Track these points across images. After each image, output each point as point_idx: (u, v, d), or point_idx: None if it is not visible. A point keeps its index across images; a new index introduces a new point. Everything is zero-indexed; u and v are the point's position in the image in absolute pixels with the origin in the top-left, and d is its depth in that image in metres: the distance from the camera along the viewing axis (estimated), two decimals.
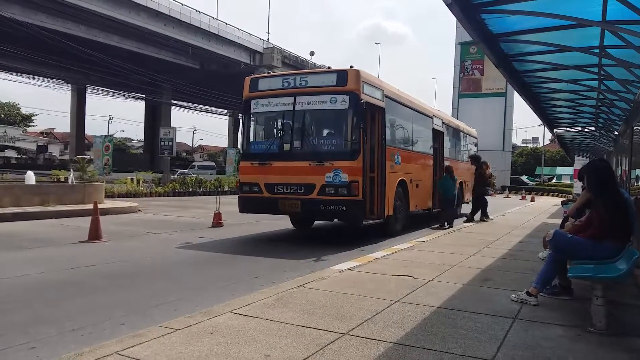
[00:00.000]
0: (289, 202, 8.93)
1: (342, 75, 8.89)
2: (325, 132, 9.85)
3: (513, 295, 4.69)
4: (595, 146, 32.09)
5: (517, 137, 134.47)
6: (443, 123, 14.52)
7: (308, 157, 8.81)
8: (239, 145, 10.33)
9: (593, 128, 22.58)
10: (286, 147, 9.18)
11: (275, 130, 9.83)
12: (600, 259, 4.07)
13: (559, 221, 6.21)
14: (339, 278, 5.46)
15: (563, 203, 9.94)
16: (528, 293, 4.56)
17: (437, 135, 13.85)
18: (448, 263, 6.53)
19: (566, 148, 38.21)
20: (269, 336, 3.45)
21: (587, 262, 4.10)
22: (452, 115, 32.61)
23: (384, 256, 6.98)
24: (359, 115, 8.57)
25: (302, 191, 8.77)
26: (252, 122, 9.93)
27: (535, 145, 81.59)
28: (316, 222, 11.79)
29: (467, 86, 52.76)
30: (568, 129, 24.07)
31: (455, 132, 16.50)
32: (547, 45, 8.71)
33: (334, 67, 10.69)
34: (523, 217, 15.63)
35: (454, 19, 7.73)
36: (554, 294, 4.82)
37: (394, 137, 10.75)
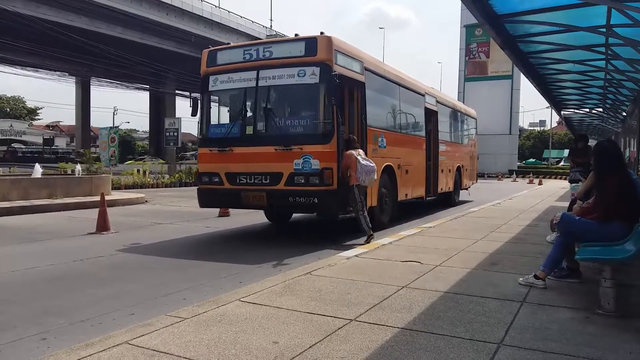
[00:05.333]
0: (253, 195, 7.80)
1: (311, 43, 7.65)
2: (293, 112, 8.54)
3: (521, 278, 4.68)
4: (603, 127, 31.84)
5: (524, 120, 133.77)
6: (437, 102, 13.15)
7: (274, 142, 7.68)
8: (198, 130, 8.92)
9: (601, 109, 22.42)
10: (249, 130, 8.01)
11: (236, 110, 8.53)
12: (609, 240, 4.04)
13: (567, 204, 6.17)
14: (346, 265, 5.46)
15: (571, 181, 9.80)
16: (536, 276, 4.55)
17: (430, 116, 12.58)
18: (455, 248, 6.52)
19: (574, 130, 37.95)
20: (277, 323, 3.46)
21: (595, 244, 4.07)
22: (459, 99, 32.27)
23: (390, 242, 6.98)
24: (332, 91, 7.38)
25: (268, 181, 7.69)
26: (210, 102, 8.74)
27: (542, 128, 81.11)
28: (295, 215, 10.69)
29: (472, 69, 52.29)
30: (575, 110, 23.90)
31: (451, 112, 15.07)
32: (553, 25, 8.60)
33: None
34: (531, 201, 15.55)
35: (459, 1, 7.67)
36: (562, 277, 4.80)
37: (377, 117, 9.35)
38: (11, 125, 63.23)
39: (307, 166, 7.39)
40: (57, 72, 46.30)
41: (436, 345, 3.09)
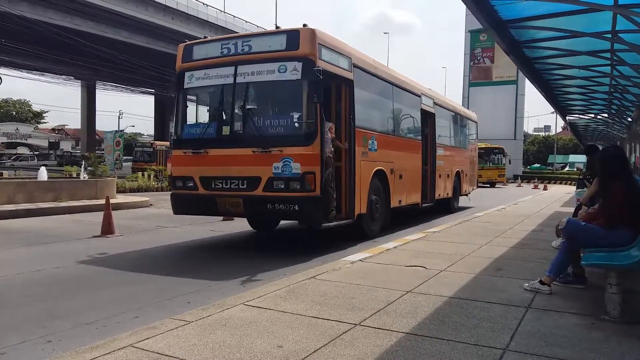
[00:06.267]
0: (230, 201, 7.22)
1: (292, 36, 7.08)
2: (273, 111, 7.90)
3: (526, 284, 4.66)
4: (608, 133, 31.74)
5: (529, 126, 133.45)
6: (435, 103, 12.49)
7: (251, 143, 7.10)
8: (172, 130, 8.34)
9: (606, 115, 22.37)
10: (225, 130, 7.43)
11: (212, 109, 8.03)
12: (614, 246, 4.02)
13: (572, 209, 6.15)
14: (350, 269, 5.46)
15: (579, 184, 9.70)
16: (541, 282, 4.53)
17: (427, 118, 11.97)
18: (460, 253, 6.50)
19: (579, 135, 37.92)
20: (282, 327, 3.46)
21: (600, 250, 4.05)
22: (463, 104, 32.35)
23: (395, 247, 6.97)
24: (315, 88, 6.82)
25: (245, 186, 7.09)
26: (186, 101, 8.13)
27: (547, 134, 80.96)
28: (282, 222, 9.97)
29: (477, 74, 52.33)
30: (580, 116, 23.86)
31: (450, 115, 14.45)
32: (559, 31, 8.61)
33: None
34: (535, 206, 15.49)
35: (464, 6, 7.67)
36: (567, 283, 4.78)
37: (367, 118, 8.77)
38: (17, 129, 63.50)
39: (287, 170, 6.81)
40: (63, 76, 46.55)
41: (441, 350, 3.09)
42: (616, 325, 3.66)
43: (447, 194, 13.45)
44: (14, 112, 69.23)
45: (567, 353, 3.08)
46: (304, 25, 7.18)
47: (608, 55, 9.70)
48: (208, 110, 8.20)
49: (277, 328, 3.45)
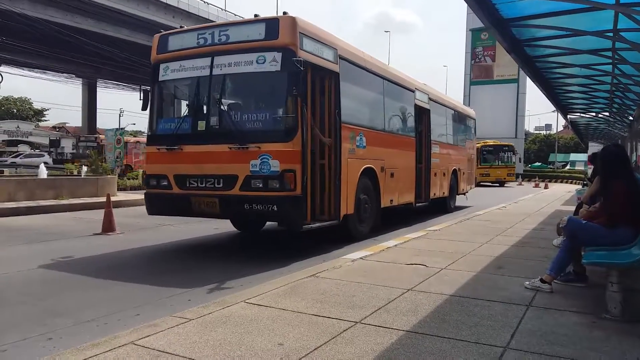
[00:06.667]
0: (205, 201, 6.81)
1: (271, 25, 6.64)
2: (251, 105, 7.40)
3: (527, 282, 4.66)
4: (609, 132, 31.72)
5: (530, 124, 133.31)
6: (430, 99, 12.02)
7: (228, 139, 6.69)
8: (147, 126, 7.86)
9: (607, 113, 22.36)
10: (200, 126, 7.03)
11: (188, 103, 7.59)
12: (615, 245, 4.01)
13: (573, 208, 6.15)
14: (351, 267, 5.46)
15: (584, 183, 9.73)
16: (542, 280, 4.53)
17: (422, 114, 11.53)
18: (461, 251, 6.50)
19: (580, 134, 37.86)
20: (282, 325, 3.46)
21: (601, 248, 4.05)
22: (464, 103, 32.19)
23: (395, 245, 6.97)
24: (296, 80, 6.36)
25: (221, 185, 6.68)
26: (161, 94, 7.75)
27: (548, 132, 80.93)
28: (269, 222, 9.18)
29: (478, 73, 52.32)
30: (582, 114, 23.85)
31: (447, 111, 13.91)
32: (560, 30, 8.60)
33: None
34: (536, 205, 15.48)
35: (465, 5, 7.63)
36: (568, 281, 4.78)
37: (355, 113, 8.35)
38: (18, 127, 63.49)
39: (265, 168, 6.42)
40: (64, 74, 46.61)
41: (441, 348, 3.09)
42: (617, 323, 3.66)
43: (443, 193, 13.08)
44: (15, 110, 69.26)
45: (568, 351, 3.08)
46: (284, 13, 6.83)
47: (609, 53, 9.69)
48: (183, 104, 7.74)
49: (278, 326, 3.45)
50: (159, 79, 7.53)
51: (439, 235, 8.12)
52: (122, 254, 7.00)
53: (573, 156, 65.20)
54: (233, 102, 7.24)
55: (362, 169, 8.12)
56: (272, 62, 6.56)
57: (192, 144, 6.99)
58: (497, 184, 33.66)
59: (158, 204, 7.42)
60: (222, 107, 6.96)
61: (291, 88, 6.39)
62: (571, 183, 40.68)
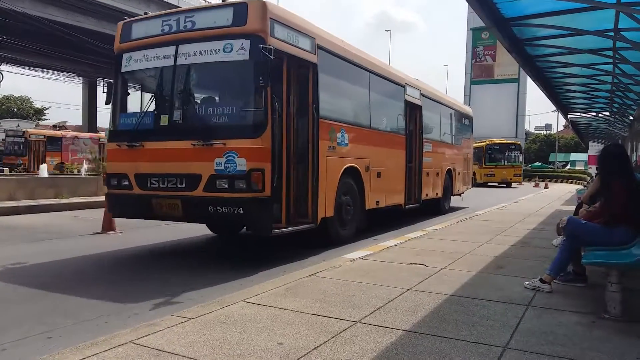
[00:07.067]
0: (167, 202, 6.25)
1: (240, 10, 6.10)
2: (217, 97, 6.89)
3: (526, 282, 4.66)
4: (609, 131, 31.71)
5: (531, 124, 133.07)
6: (422, 95, 11.42)
7: (191, 135, 6.14)
8: (109, 121, 7.35)
9: (607, 113, 22.35)
10: (163, 120, 6.44)
11: (151, 95, 6.92)
12: (615, 245, 4.01)
13: (573, 208, 6.14)
14: (350, 267, 5.46)
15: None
16: (542, 280, 4.53)
17: (413, 111, 11.02)
18: (460, 251, 6.50)
19: (580, 134, 37.80)
20: (282, 324, 3.46)
21: (601, 248, 4.05)
22: (465, 102, 32.02)
23: (395, 244, 6.96)
24: (265, 70, 5.79)
25: (184, 186, 6.12)
26: (125, 86, 7.18)
27: (548, 132, 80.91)
28: None
29: (479, 72, 52.32)
30: (582, 114, 23.84)
31: (441, 108, 13.26)
32: (561, 29, 8.60)
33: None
34: (536, 205, 15.48)
35: (465, 4, 7.58)
36: (568, 281, 4.78)
37: (336, 108, 7.86)
38: (18, 125, 63.45)
39: (231, 166, 5.85)
40: (64, 73, 46.54)
41: (441, 348, 3.09)
42: (617, 323, 3.66)
43: (437, 193, 12.54)
44: (15, 109, 69.22)
45: (568, 351, 3.08)
46: None
47: (610, 53, 9.68)
48: (147, 97, 7.11)
49: (277, 325, 3.45)
50: (122, 70, 6.99)
51: (439, 234, 8.12)
52: (122, 253, 7.01)
53: (573, 156, 65.23)
54: (198, 94, 6.73)
55: (343, 168, 7.66)
56: (239, 51, 6.00)
57: (154, 141, 6.45)
58: (504, 185, 32.15)
59: (119, 206, 6.91)
60: (186, 100, 6.40)
61: (260, 79, 5.80)
62: (571, 183, 40.66)
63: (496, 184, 32.54)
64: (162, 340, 3.14)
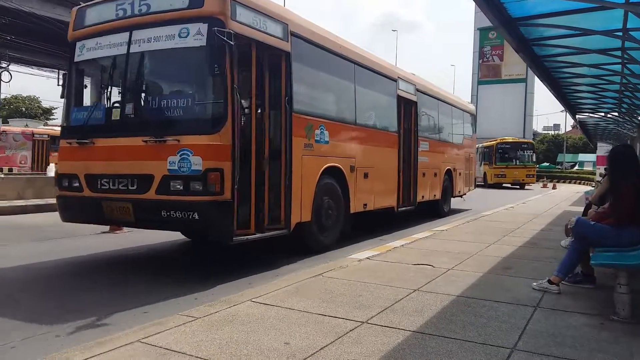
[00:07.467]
0: (117, 206, 5.63)
1: None
2: (172, 88, 6.09)
3: (534, 283, 4.64)
4: (618, 132, 31.48)
5: (538, 124, 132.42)
6: (417, 90, 10.74)
7: (143, 131, 5.51)
8: (61, 116, 6.80)
9: (616, 113, 22.17)
10: (115, 114, 5.91)
11: (103, 88, 6.35)
12: (624, 246, 3.99)
13: (582, 209, 6.10)
14: (357, 267, 5.45)
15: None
16: (550, 281, 4.50)
17: (407, 107, 10.33)
18: (468, 252, 6.48)
19: (588, 134, 37.52)
20: (288, 324, 3.46)
21: (610, 249, 4.02)
22: (472, 102, 31.71)
23: (402, 245, 6.95)
24: (225, 57, 5.23)
25: (135, 187, 5.51)
26: (80, 78, 6.55)
27: (556, 132, 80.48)
28: None
29: (486, 72, 52.18)
30: (590, 114, 23.66)
31: (439, 105, 12.41)
32: (569, 29, 8.54)
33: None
34: (544, 205, 15.41)
35: (473, 4, 7.54)
36: (576, 283, 4.75)
37: (314, 102, 7.32)
38: (26, 125, 64.00)
39: (185, 166, 5.24)
40: None
41: (448, 349, 3.08)
42: (625, 325, 3.63)
43: (434, 195, 11.82)
44: (24, 109, 69.72)
45: (576, 353, 3.06)
46: None
47: (619, 53, 9.60)
48: (99, 89, 6.54)
49: (284, 325, 3.45)
50: (75, 60, 6.38)
51: (446, 235, 8.10)
52: (129, 252, 7.06)
53: (582, 156, 64.75)
54: (152, 85, 6.01)
55: (323, 168, 7.04)
56: (196, 36, 5.38)
57: (105, 137, 5.85)
58: (517, 187, 30.37)
59: (69, 209, 6.33)
60: (139, 92, 5.82)
61: (219, 67, 5.25)
62: (580, 184, 40.40)
63: (508, 185, 31.21)
64: (169, 339, 3.15)
